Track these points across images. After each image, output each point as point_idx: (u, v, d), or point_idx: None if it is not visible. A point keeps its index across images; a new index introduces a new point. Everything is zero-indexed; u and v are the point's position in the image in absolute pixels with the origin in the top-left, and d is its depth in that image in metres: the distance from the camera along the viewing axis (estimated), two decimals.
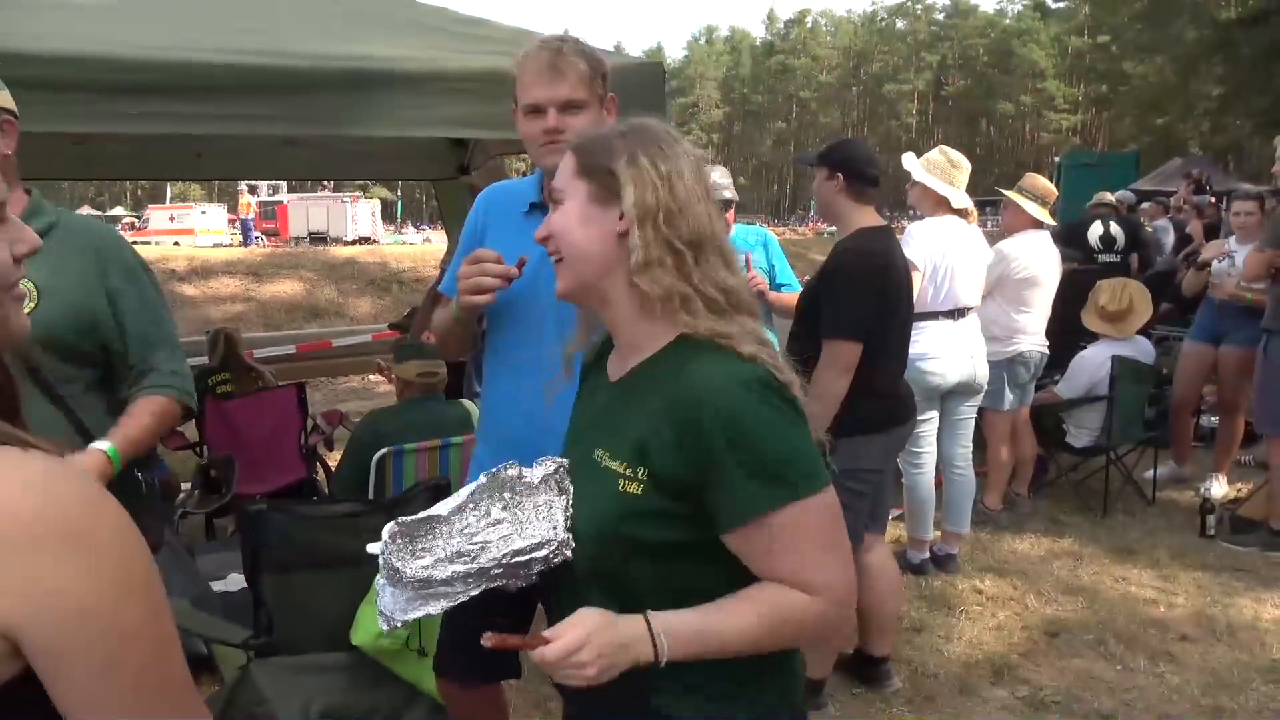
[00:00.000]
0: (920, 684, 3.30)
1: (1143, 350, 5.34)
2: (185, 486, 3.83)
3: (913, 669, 3.40)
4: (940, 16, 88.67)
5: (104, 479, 1.69)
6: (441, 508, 1.29)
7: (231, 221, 34.07)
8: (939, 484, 4.29)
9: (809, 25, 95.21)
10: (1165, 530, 4.85)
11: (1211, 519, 4.74)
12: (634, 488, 1.20)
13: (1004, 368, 4.65)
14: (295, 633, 2.31)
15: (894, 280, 2.98)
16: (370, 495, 3.25)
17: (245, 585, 2.81)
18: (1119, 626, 3.73)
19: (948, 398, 4.17)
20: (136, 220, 38.02)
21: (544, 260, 1.87)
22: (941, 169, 4.04)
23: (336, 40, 3.09)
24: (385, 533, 1.27)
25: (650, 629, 1.16)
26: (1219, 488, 5.22)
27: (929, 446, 4.14)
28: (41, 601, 0.63)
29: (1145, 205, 11.54)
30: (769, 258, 4.03)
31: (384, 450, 3.24)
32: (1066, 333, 5.45)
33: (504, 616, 1.98)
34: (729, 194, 3.79)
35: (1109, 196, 8.37)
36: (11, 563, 0.63)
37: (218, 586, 3.22)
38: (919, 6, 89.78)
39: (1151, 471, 5.38)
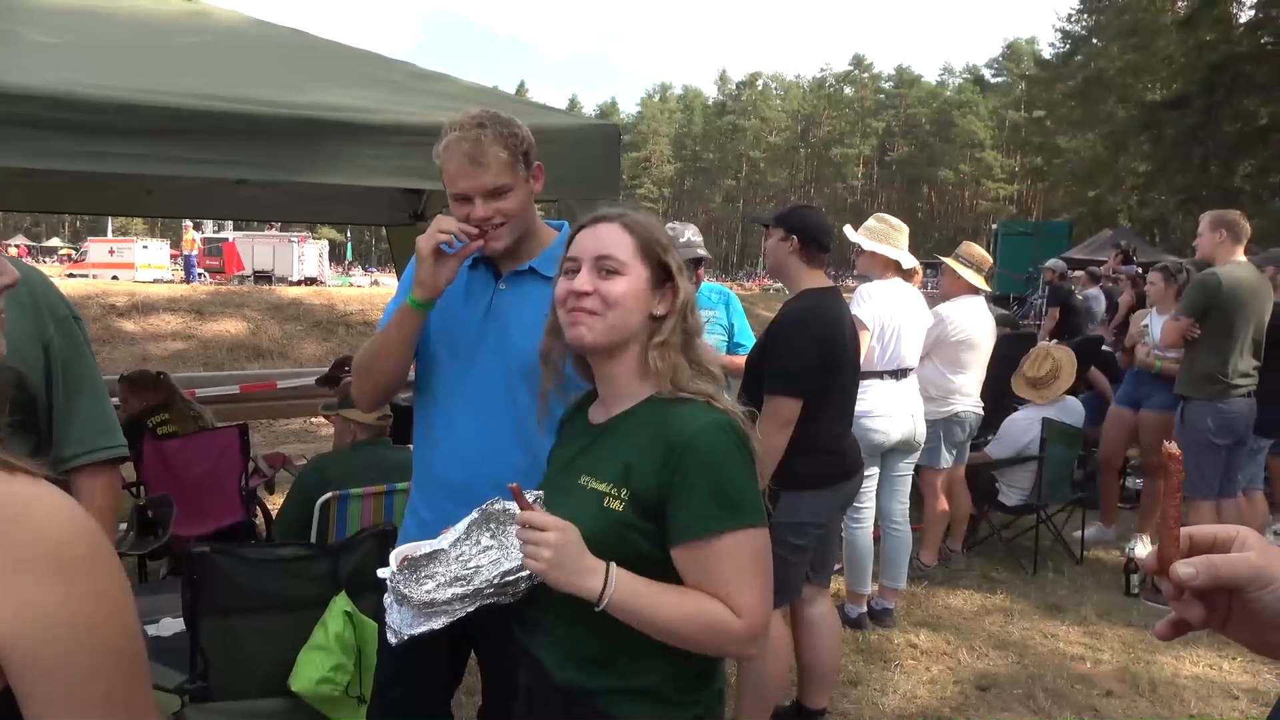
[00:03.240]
0: None
1: (1072, 413, 5.55)
2: (121, 527, 3.73)
3: None
4: (886, 85, 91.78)
5: None
6: (443, 541, 1.53)
7: (174, 257, 33.45)
8: (877, 538, 4.39)
9: (759, 88, 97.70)
10: (1093, 588, 5.01)
11: (1135, 578, 4.91)
12: (616, 504, 1.41)
13: (940, 427, 4.80)
14: (232, 678, 2.28)
15: (837, 340, 3.07)
16: (313, 540, 3.22)
17: (178, 630, 2.77)
18: (1048, 682, 3.84)
19: (888, 455, 4.29)
20: (74, 252, 37.02)
21: (488, 316, 1.94)
22: (884, 234, 4.20)
23: (294, 89, 3.12)
24: (393, 561, 1.51)
25: (608, 570, 1.36)
26: (1143, 548, 5.41)
27: (869, 502, 4.24)
28: (22, 620, 0.66)
29: (1077, 274, 12.02)
30: (730, 316, 4.14)
31: (328, 495, 3.22)
32: (999, 395, 5.66)
33: (440, 663, 2.01)
34: (701, 251, 3.90)
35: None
36: None
37: (150, 630, 3.13)
38: (865, 75, 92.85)
39: (1080, 531, 5.56)
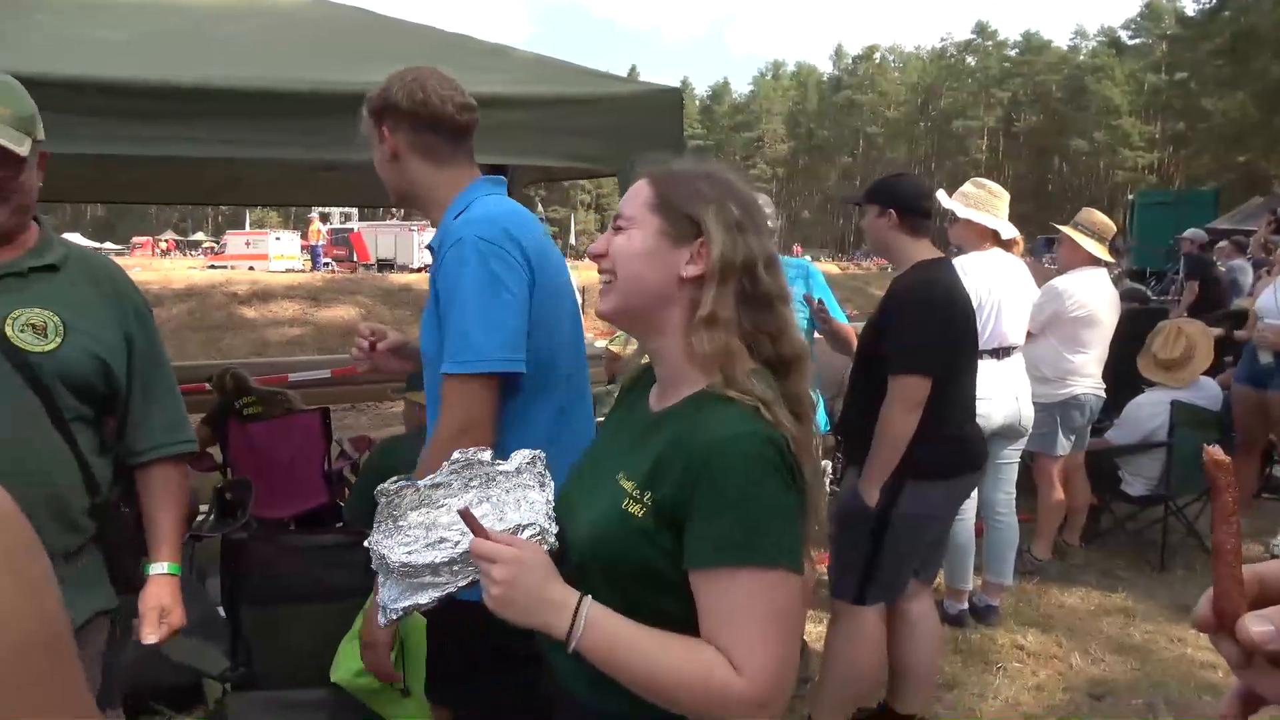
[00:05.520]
0: None
1: (1207, 395, 5.03)
2: (204, 509, 3.82)
3: None
4: (1012, 53, 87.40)
5: (175, 593, 1.83)
6: (419, 482, 1.33)
7: (304, 248, 35.11)
8: (979, 531, 4.07)
9: (877, 61, 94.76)
10: None
11: None
12: (636, 509, 1.20)
13: (1056, 410, 4.42)
14: (274, 666, 2.24)
15: (958, 313, 2.82)
16: None
17: None
18: (1171, 692, 3.47)
19: (990, 440, 3.93)
20: (216, 245, 39.42)
21: None
22: (981, 201, 3.86)
23: (362, 68, 3.08)
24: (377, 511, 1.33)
25: (578, 608, 1.15)
26: None
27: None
28: None
29: (1221, 244, 11.09)
30: (813, 292, 3.89)
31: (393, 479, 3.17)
32: (1124, 375, 5.19)
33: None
34: (771, 224, 3.67)
35: None
36: None
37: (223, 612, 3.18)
38: (989, 43, 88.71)
39: None
